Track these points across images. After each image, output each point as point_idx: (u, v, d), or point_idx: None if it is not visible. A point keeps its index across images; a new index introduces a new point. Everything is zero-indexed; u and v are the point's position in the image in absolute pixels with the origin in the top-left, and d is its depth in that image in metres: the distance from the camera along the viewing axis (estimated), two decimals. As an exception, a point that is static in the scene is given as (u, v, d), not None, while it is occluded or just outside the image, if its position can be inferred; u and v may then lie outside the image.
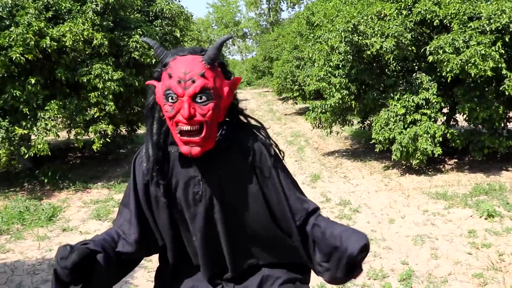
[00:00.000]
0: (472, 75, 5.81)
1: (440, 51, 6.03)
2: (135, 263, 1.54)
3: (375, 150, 7.30)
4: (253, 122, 1.49)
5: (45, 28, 6.35)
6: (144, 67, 7.89)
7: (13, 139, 6.31)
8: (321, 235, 1.39)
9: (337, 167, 7.99)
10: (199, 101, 1.25)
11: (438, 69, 6.45)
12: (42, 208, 5.85)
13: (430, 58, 6.24)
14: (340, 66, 7.75)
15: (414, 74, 7.07)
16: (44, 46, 6.29)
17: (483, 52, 5.62)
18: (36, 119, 6.48)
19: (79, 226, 5.32)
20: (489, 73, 5.69)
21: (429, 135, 6.42)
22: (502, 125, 6.83)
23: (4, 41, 6.03)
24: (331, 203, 5.85)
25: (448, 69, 5.95)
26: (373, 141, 7.19)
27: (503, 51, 5.82)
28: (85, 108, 7.16)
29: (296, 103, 17.62)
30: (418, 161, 6.62)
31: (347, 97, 7.57)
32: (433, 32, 7.05)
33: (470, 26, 5.97)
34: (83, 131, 7.06)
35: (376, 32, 6.53)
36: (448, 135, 6.71)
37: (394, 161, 7.12)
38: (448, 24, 6.39)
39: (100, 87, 6.78)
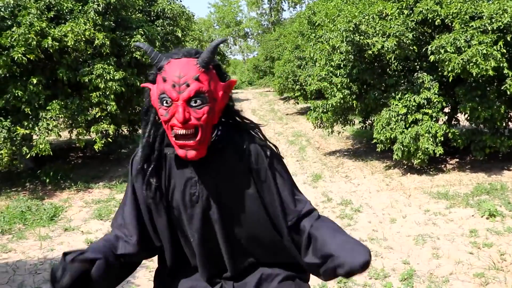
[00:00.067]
0: (474, 75, 5.80)
1: (442, 51, 6.03)
2: (134, 266, 1.53)
3: (377, 149, 7.29)
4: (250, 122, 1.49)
5: (47, 28, 6.36)
6: (145, 67, 7.90)
7: (15, 139, 6.33)
8: (319, 240, 1.37)
9: (339, 166, 7.99)
10: (194, 105, 1.25)
11: (439, 69, 6.44)
12: (44, 208, 5.87)
13: (432, 58, 6.23)
14: (342, 65, 7.75)
15: (415, 74, 7.06)
16: (46, 46, 6.31)
17: (484, 51, 5.61)
18: (38, 119, 6.50)
19: (81, 226, 5.34)
20: (490, 72, 5.68)
21: (431, 134, 6.42)
22: (504, 124, 6.82)
23: (6, 41, 6.05)
24: (333, 203, 5.85)
25: (449, 69, 5.94)
26: (374, 140, 7.19)
27: (505, 51, 5.82)
28: (87, 108, 7.18)
29: (298, 103, 17.62)
30: (419, 160, 6.61)
31: (348, 96, 7.57)
32: (435, 31, 7.04)
33: (472, 26, 5.96)
34: (84, 131, 7.07)
35: (377, 32, 6.52)
36: (449, 134, 6.70)
37: (396, 160, 7.12)
38: (450, 24, 6.38)
39: (102, 87, 6.80)
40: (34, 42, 6.13)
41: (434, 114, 6.62)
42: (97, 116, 7.09)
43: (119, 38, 7.40)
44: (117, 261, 1.41)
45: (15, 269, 4.14)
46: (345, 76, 7.57)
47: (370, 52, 6.68)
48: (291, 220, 1.44)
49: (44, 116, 6.46)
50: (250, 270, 1.49)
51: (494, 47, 5.69)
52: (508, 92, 5.94)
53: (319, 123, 8.64)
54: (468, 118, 6.83)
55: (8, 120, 6.36)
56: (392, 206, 5.57)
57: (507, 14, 5.68)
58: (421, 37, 7.07)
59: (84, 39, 6.63)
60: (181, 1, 10.51)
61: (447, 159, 7.58)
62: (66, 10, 6.83)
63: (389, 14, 6.69)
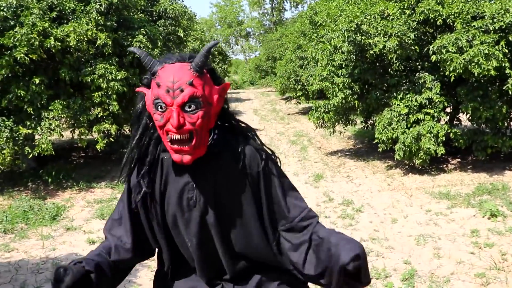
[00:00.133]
0: (476, 75, 5.80)
1: (443, 51, 6.02)
2: (129, 269, 1.55)
3: (378, 149, 7.29)
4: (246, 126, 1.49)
5: (49, 28, 6.38)
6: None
7: (17, 138, 6.35)
8: (318, 245, 1.37)
9: (340, 166, 7.99)
10: (188, 109, 1.25)
11: (441, 69, 6.44)
12: (46, 208, 5.89)
13: (433, 58, 6.23)
14: (343, 65, 7.75)
15: (417, 74, 7.06)
16: (48, 46, 6.34)
17: (486, 51, 5.60)
18: (40, 119, 6.53)
19: (83, 226, 5.35)
20: (492, 72, 5.67)
21: (432, 134, 6.41)
22: (506, 124, 6.80)
23: (8, 41, 6.08)
24: (334, 203, 5.85)
25: (451, 69, 5.94)
26: (376, 140, 7.19)
27: (507, 51, 5.81)
28: (89, 108, 7.19)
29: (299, 103, 17.61)
30: (421, 160, 6.61)
31: (350, 96, 7.57)
32: (436, 31, 7.04)
33: (474, 26, 5.95)
34: (86, 131, 7.10)
35: (379, 32, 6.52)
36: (451, 134, 6.69)
37: (397, 160, 7.11)
38: (452, 24, 6.38)
39: (104, 87, 6.82)
40: (37, 42, 6.15)
41: (435, 114, 6.62)
42: (99, 116, 7.11)
43: (121, 38, 7.41)
44: (114, 267, 1.42)
45: (17, 268, 4.16)
46: (346, 76, 7.57)
47: (371, 52, 6.68)
48: (283, 225, 1.43)
49: (47, 116, 6.48)
50: (250, 272, 1.48)
51: (496, 47, 5.68)
52: (510, 92, 5.93)
53: (320, 123, 8.65)
54: (470, 118, 6.82)
55: (11, 120, 6.39)
56: (394, 206, 5.57)
57: (509, 14, 5.67)
58: (422, 37, 7.06)
59: (86, 39, 6.65)
60: (183, 1, 10.52)
61: (449, 159, 7.58)
62: (69, 10, 6.85)
63: (390, 14, 6.69)
